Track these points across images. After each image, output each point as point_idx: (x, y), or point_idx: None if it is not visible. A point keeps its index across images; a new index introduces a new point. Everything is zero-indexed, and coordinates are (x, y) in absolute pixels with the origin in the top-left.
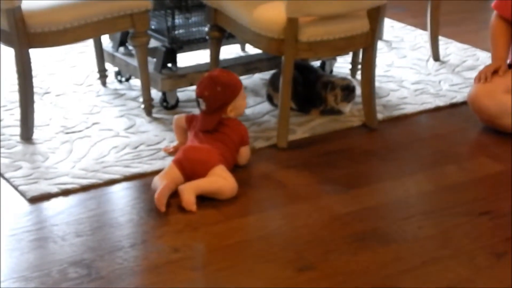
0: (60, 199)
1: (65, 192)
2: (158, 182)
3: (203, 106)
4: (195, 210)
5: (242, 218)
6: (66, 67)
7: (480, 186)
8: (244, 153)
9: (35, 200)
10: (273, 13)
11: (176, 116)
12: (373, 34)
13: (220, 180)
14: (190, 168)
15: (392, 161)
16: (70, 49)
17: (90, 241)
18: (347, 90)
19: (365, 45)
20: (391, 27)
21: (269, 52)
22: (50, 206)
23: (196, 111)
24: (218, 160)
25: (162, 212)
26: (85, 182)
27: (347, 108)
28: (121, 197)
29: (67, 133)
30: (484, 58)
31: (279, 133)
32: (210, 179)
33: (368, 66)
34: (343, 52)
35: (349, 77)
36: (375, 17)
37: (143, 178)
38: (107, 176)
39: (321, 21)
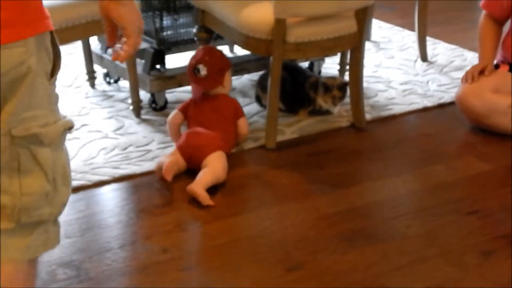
0: None
1: None
2: (164, 160)
3: (204, 71)
4: (213, 203)
5: (231, 218)
6: None
7: (468, 185)
8: (243, 125)
9: None
10: (261, 14)
11: (169, 118)
12: (361, 35)
13: (215, 170)
14: (188, 154)
15: (380, 161)
16: None
17: (79, 242)
18: (344, 88)
19: (353, 46)
20: (379, 27)
21: (257, 53)
22: None
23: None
24: (216, 146)
25: (169, 181)
26: (74, 183)
27: (335, 108)
28: (110, 198)
29: None
30: (471, 58)
31: (268, 134)
32: (210, 171)
33: (356, 66)
34: (331, 52)
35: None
36: (363, 17)
37: (132, 180)
38: (96, 178)
39: (308, 22)
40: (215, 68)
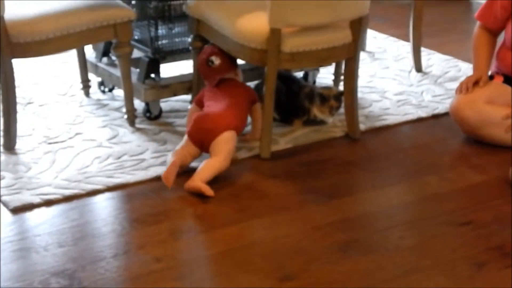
0: (43, 209)
1: (48, 203)
2: (170, 158)
3: (217, 61)
4: (213, 194)
5: (225, 228)
6: (49, 77)
7: (461, 197)
8: (259, 110)
9: (17, 210)
10: (256, 23)
11: (190, 108)
12: (356, 45)
13: (216, 161)
14: (198, 138)
15: (374, 172)
16: (53, 59)
17: (73, 251)
18: (340, 98)
19: (347, 56)
20: (373, 38)
21: (252, 62)
22: (33, 217)
23: (179, 121)
24: (226, 125)
25: (169, 188)
26: (67, 192)
27: (330, 118)
28: (104, 207)
29: (50, 143)
30: (466, 69)
31: (262, 144)
32: (208, 164)
33: (350, 76)
34: (326, 62)
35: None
36: (358, 28)
37: (126, 189)
38: (90, 187)
39: (303, 32)
40: (227, 58)
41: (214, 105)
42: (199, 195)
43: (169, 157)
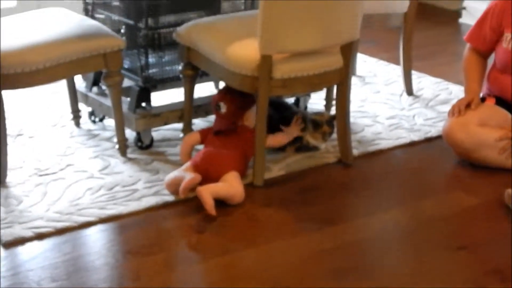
0: (35, 243)
1: (40, 236)
2: (177, 172)
3: (224, 109)
4: (215, 213)
5: (220, 257)
6: (38, 108)
7: (457, 220)
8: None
9: (9, 245)
10: (246, 50)
11: (186, 135)
12: (347, 70)
13: (231, 186)
14: (204, 171)
15: (369, 197)
16: (43, 89)
17: (66, 286)
18: (332, 122)
19: (339, 81)
20: (364, 62)
21: (243, 89)
22: (25, 251)
23: (171, 150)
24: (232, 166)
25: (183, 197)
26: (60, 225)
27: (323, 144)
28: (97, 239)
29: (41, 175)
30: (457, 91)
31: (255, 171)
32: (226, 185)
33: (342, 101)
34: (318, 88)
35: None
36: (348, 52)
37: (119, 220)
38: (82, 219)
39: (295, 58)
40: (235, 107)
41: (219, 147)
42: (193, 225)
43: (174, 173)
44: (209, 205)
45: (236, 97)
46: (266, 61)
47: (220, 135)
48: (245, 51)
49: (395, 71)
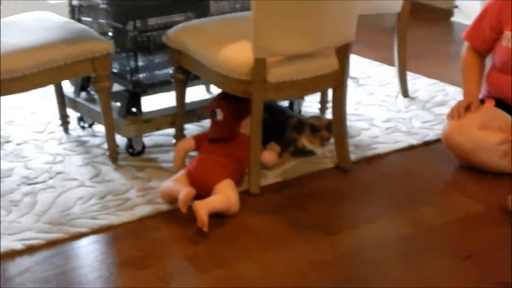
0: (25, 256)
1: (30, 249)
2: (172, 184)
3: (220, 116)
4: (207, 230)
5: (216, 269)
6: (25, 114)
7: (460, 227)
8: (266, 158)
9: None
10: (239, 53)
11: (180, 142)
12: (343, 73)
13: (228, 198)
14: (198, 179)
15: (368, 204)
16: (29, 95)
17: None
18: (330, 127)
19: (335, 84)
20: (356, 63)
21: (237, 94)
22: (15, 264)
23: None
24: (227, 174)
25: (184, 213)
26: (50, 236)
27: (320, 149)
28: (89, 251)
29: (30, 184)
30: (453, 93)
31: (251, 179)
32: (222, 198)
33: (339, 105)
34: (313, 91)
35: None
36: (344, 55)
37: (111, 230)
38: (74, 230)
39: (289, 61)
40: (232, 114)
41: (214, 154)
42: (188, 235)
43: (167, 183)
44: (203, 223)
45: (233, 104)
46: (260, 65)
47: (215, 142)
48: (238, 55)
49: (389, 72)
